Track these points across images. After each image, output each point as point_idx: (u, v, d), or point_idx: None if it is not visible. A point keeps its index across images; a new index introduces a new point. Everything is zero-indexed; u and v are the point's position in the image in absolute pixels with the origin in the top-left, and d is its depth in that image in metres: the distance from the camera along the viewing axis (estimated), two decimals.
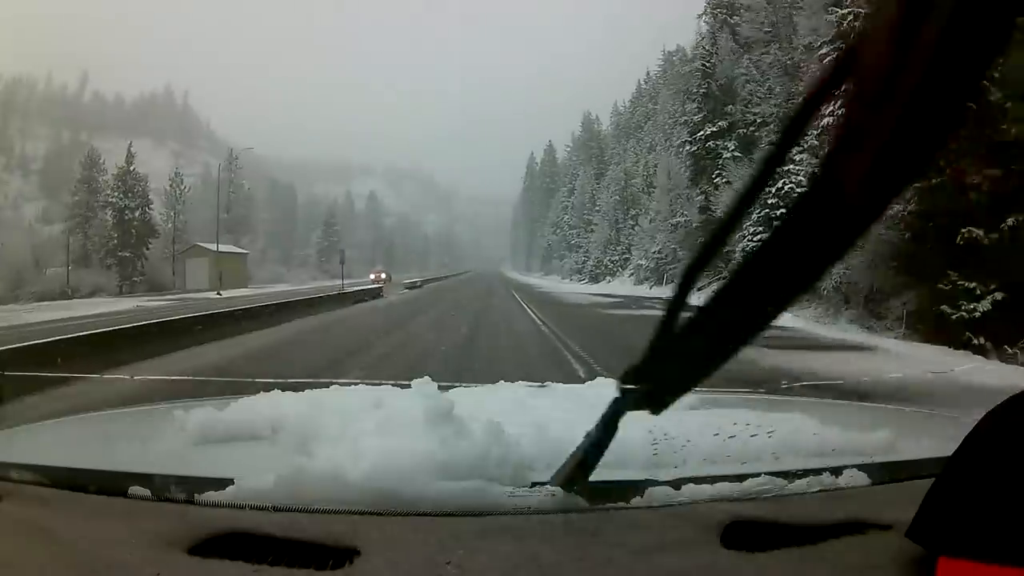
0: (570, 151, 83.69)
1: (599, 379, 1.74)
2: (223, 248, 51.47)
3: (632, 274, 45.88)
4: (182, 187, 58.09)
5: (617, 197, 52.79)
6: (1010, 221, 12.67)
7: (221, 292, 40.47)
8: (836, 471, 0.95)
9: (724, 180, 27.17)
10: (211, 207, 56.37)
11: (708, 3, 34.42)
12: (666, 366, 0.72)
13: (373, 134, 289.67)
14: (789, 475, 0.93)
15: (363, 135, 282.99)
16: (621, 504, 0.88)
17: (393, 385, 1.46)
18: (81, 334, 10.52)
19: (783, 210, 0.76)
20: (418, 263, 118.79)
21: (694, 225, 32.51)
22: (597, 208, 57.85)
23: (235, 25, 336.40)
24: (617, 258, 51.83)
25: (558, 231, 71.84)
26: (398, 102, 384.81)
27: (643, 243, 43.20)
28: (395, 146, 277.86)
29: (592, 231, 57.36)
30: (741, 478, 0.91)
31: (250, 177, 74.48)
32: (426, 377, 1.29)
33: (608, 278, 51.02)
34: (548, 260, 79.12)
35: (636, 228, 46.22)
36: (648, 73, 60.80)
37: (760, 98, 27.73)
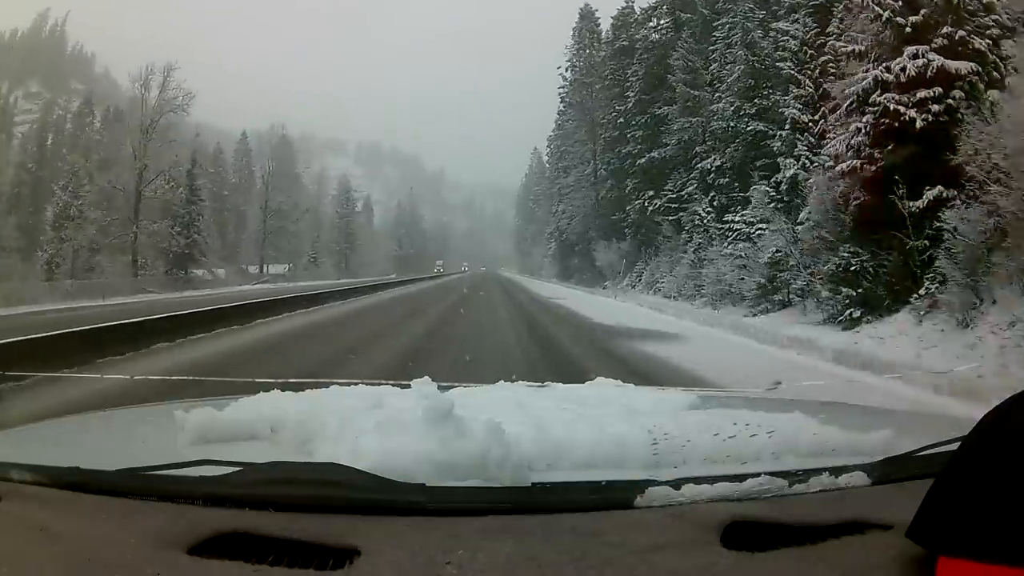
0: None
1: (599, 379, 1.74)
2: None
3: None
4: None
5: None
6: None
7: None
8: (836, 471, 0.95)
9: None
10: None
11: None
12: None
13: (350, 107, 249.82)
14: (789, 475, 0.93)
15: (339, 107, 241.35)
16: (621, 504, 0.88)
17: (393, 385, 1.45)
18: None
19: None
20: (365, 261, 71.64)
21: None
22: None
23: None
24: None
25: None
26: (383, 68, 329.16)
27: None
28: (373, 121, 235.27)
29: None
30: (741, 478, 0.91)
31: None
32: (426, 377, 1.29)
33: None
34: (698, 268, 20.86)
35: None
36: None
37: None
